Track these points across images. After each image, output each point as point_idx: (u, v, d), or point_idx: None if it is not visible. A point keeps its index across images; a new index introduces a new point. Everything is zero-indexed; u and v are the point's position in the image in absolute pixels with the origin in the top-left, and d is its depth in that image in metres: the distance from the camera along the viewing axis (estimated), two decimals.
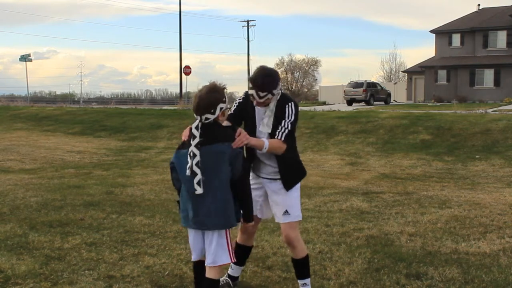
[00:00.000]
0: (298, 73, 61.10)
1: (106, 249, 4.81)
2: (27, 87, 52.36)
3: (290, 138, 3.44)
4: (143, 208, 6.57)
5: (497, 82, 38.62)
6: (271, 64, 59.47)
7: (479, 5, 45.66)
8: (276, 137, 3.39)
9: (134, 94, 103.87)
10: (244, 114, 3.55)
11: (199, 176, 2.97)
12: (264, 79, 3.35)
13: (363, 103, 32.38)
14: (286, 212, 3.54)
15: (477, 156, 12.05)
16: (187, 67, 41.28)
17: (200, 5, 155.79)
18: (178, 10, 60.26)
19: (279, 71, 51.34)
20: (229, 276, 3.92)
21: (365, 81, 34.03)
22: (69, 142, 16.26)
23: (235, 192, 3.07)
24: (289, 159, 3.52)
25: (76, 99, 78.41)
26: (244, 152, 3.23)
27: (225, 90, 3.12)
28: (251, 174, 3.61)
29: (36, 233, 5.28)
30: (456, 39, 41.86)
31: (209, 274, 3.13)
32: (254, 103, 3.44)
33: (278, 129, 3.40)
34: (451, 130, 14.38)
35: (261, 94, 3.35)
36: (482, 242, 5.16)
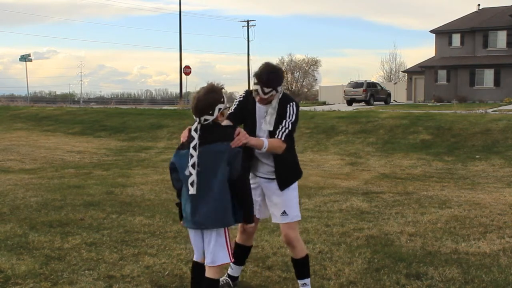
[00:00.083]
0: (298, 73, 61.07)
1: (106, 249, 4.81)
2: (27, 87, 52.43)
3: (290, 140, 3.44)
4: (143, 208, 6.57)
5: (497, 82, 38.62)
6: None
7: (479, 5, 45.67)
8: (276, 136, 3.39)
9: (134, 94, 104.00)
10: (245, 112, 3.55)
11: (193, 177, 2.98)
12: (269, 75, 3.36)
13: (363, 103, 32.38)
14: (284, 212, 3.53)
15: (477, 156, 12.04)
16: (187, 67, 41.27)
17: (200, 5, 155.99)
18: (178, 10, 60.24)
19: None
20: (229, 276, 3.92)
21: (365, 81, 34.03)
22: (69, 142, 16.26)
23: (234, 191, 3.07)
24: (286, 159, 3.52)
25: (76, 99, 78.40)
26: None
27: (223, 90, 3.13)
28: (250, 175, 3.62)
29: (36, 233, 5.28)
30: (456, 39, 41.86)
31: (209, 273, 3.13)
32: (257, 99, 3.43)
33: (279, 128, 3.40)
34: (451, 130, 14.38)
35: (266, 90, 3.35)
36: (482, 242, 5.16)
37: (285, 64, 58.39)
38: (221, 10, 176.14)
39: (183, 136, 3.16)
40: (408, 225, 5.85)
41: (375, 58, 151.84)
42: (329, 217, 6.21)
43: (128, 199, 7.13)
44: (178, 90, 45.19)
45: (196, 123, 3.06)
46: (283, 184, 3.52)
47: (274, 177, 3.53)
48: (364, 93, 32.30)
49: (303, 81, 61.73)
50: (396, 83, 51.17)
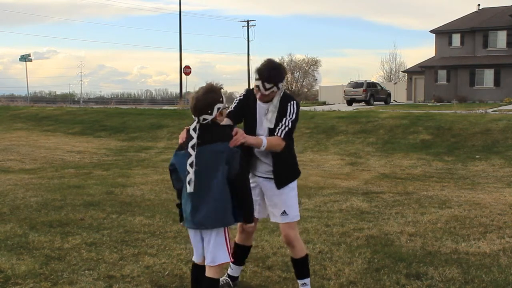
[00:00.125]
0: (298, 73, 61.07)
1: (106, 249, 4.81)
2: (27, 87, 52.45)
3: (288, 137, 3.44)
4: (143, 208, 6.57)
5: (497, 82, 38.62)
6: None
7: (479, 5, 45.67)
8: (276, 133, 3.39)
9: (134, 94, 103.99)
10: (245, 111, 3.55)
11: (190, 175, 2.99)
12: (270, 71, 3.37)
13: (363, 103, 32.38)
14: (284, 212, 3.53)
15: (477, 156, 12.04)
16: (187, 67, 41.25)
17: (200, 5, 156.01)
18: (178, 10, 60.19)
19: None
20: (229, 276, 3.92)
21: (365, 81, 34.03)
22: (69, 142, 16.26)
23: (233, 191, 3.07)
24: (285, 159, 3.52)
25: (76, 99, 78.39)
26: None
27: (222, 90, 3.14)
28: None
29: (36, 233, 5.28)
30: (456, 39, 41.86)
31: (209, 273, 3.13)
32: (258, 96, 3.43)
33: (279, 126, 3.40)
34: (451, 130, 14.38)
35: (267, 85, 3.35)
36: (482, 242, 5.16)
37: (285, 64, 58.30)
38: (221, 10, 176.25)
39: (181, 137, 3.17)
40: (408, 225, 5.85)
41: (375, 58, 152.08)
42: (329, 217, 6.21)
43: (128, 199, 7.13)
44: (178, 90, 45.23)
45: (195, 122, 3.07)
46: (280, 183, 3.52)
47: (272, 176, 3.53)
48: (364, 93, 32.30)
49: (303, 81, 61.75)
50: (396, 83, 51.18)
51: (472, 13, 44.84)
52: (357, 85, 33.26)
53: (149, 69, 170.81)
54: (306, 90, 61.70)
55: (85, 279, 4.03)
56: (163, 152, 13.80)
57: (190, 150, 3.01)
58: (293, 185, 3.60)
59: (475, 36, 40.63)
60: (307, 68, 60.93)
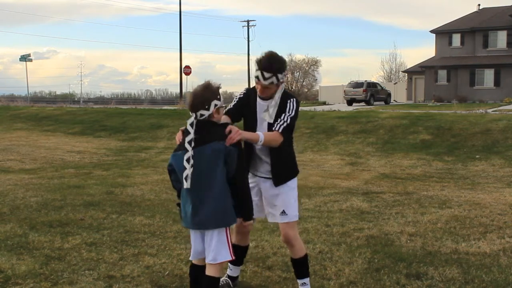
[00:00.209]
0: (298, 73, 61.02)
1: (106, 249, 4.81)
2: (27, 87, 52.41)
3: (287, 134, 3.43)
4: (143, 208, 6.57)
5: (497, 82, 38.61)
6: None
7: (479, 5, 45.67)
8: (274, 128, 3.37)
9: (134, 94, 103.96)
10: (245, 109, 3.54)
11: (187, 171, 2.98)
12: (270, 59, 3.36)
13: (363, 103, 32.38)
14: (283, 212, 3.53)
15: (477, 156, 12.04)
16: (187, 67, 41.23)
17: (200, 5, 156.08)
18: (178, 10, 60.15)
19: None
20: (228, 276, 3.92)
21: (365, 81, 34.03)
22: (69, 142, 16.26)
23: (233, 190, 3.08)
24: (284, 156, 3.51)
25: (76, 99, 78.37)
26: (242, 151, 3.22)
27: (219, 89, 3.15)
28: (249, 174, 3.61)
29: (36, 233, 5.28)
30: (456, 39, 41.85)
31: (210, 271, 3.13)
32: (258, 89, 3.42)
33: (277, 121, 3.39)
34: (451, 130, 14.38)
35: (266, 75, 3.33)
36: (482, 242, 5.16)
37: None
38: (221, 10, 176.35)
39: (178, 139, 3.16)
40: (408, 225, 5.85)
41: (375, 58, 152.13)
42: (329, 217, 6.21)
43: (128, 199, 7.13)
44: (178, 90, 45.23)
45: (192, 117, 3.07)
46: (279, 181, 3.51)
47: (271, 176, 3.53)
48: (364, 93, 32.30)
49: (303, 81, 61.70)
50: (396, 83, 51.17)
51: (472, 13, 44.84)
52: (357, 85, 33.26)
53: (149, 69, 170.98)
54: (306, 90, 61.67)
55: (85, 279, 4.03)
56: (163, 152, 13.80)
57: (187, 145, 3.00)
58: (293, 184, 3.59)
59: (475, 36, 40.62)
60: (307, 68, 60.89)
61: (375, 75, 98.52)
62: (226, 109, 3.49)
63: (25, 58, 39.96)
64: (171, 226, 5.65)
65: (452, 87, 39.97)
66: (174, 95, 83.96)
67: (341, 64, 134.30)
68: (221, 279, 3.68)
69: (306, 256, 3.66)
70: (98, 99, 79.12)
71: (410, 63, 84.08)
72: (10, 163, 11.11)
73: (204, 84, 3.12)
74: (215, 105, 3.08)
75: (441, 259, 4.60)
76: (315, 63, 61.10)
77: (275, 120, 3.40)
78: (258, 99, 3.50)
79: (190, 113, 3.08)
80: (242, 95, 3.59)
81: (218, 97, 3.11)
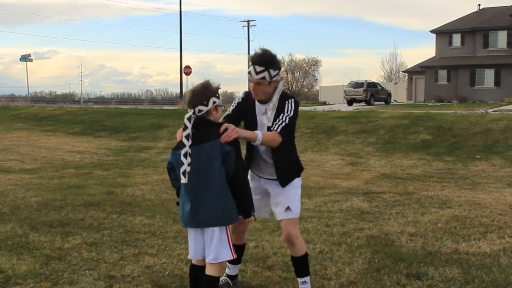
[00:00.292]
0: (298, 73, 60.98)
1: (106, 249, 4.81)
2: (28, 87, 52.33)
3: (288, 135, 3.43)
4: (144, 208, 6.57)
5: (497, 82, 38.62)
6: None
7: (479, 5, 45.67)
8: (272, 128, 3.36)
9: (134, 94, 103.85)
10: (246, 114, 3.54)
11: (185, 167, 2.98)
12: (262, 54, 3.34)
13: (363, 103, 32.38)
14: (288, 208, 3.53)
15: (477, 156, 12.04)
16: (188, 67, 41.23)
17: (200, 5, 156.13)
18: (179, 10, 59.99)
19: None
20: (227, 276, 3.92)
21: (366, 81, 34.04)
22: (70, 142, 16.26)
23: (233, 189, 3.08)
24: (287, 156, 3.52)
25: (76, 99, 78.34)
26: (241, 150, 3.22)
27: (219, 89, 3.16)
28: (251, 175, 3.62)
29: (37, 233, 5.28)
30: (457, 39, 41.86)
31: (209, 271, 3.13)
32: (251, 89, 3.39)
33: (276, 121, 3.38)
34: (451, 130, 14.38)
35: (258, 68, 3.30)
36: (483, 242, 5.15)
37: (285, 64, 58.34)
38: (221, 10, 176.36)
39: (179, 136, 3.16)
40: (409, 225, 5.85)
41: (376, 58, 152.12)
42: (329, 217, 6.21)
43: (128, 199, 7.13)
44: (178, 90, 45.24)
45: (190, 112, 3.06)
46: (284, 182, 3.54)
47: (276, 177, 3.54)
48: (364, 93, 32.31)
49: (303, 81, 61.67)
50: (396, 83, 51.17)
51: (472, 13, 44.84)
52: (358, 85, 33.27)
53: (149, 69, 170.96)
54: (306, 90, 61.64)
55: (85, 279, 4.03)
56: (164, 152, 13.80)
57: (184, 140, 3.00)
58: (298, 184, 3.61)
59: (475, 36, 40.63)
60: (307, 68, 60.86)
61: (375, 75, 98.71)
62: (225, 114, 3.49)
63: (25, 58, 39.96)
64: (171, 226, 5.65)
65: (452, 87, 39.98)
66: (174, 95, 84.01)
67: (341, 64, 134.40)
68: (220, 279, 3.68)
69: (306, 254, 3.67)
70: (99, 99, 79.10)
71: (410, 63, 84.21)
72: (10, 163, 11.11)
73: (204, 82, 3.14)
74: (214, 102, 3.08)
75: (441, 259, 4.60)
76: (315, 63, 61.07)
77: (274, 121, 3.40)
78: (256, 102, 3.49)
79: (188, 110, 3.09)
80: (240, 100, 3.59)
81: (217, 95, 3.12)
